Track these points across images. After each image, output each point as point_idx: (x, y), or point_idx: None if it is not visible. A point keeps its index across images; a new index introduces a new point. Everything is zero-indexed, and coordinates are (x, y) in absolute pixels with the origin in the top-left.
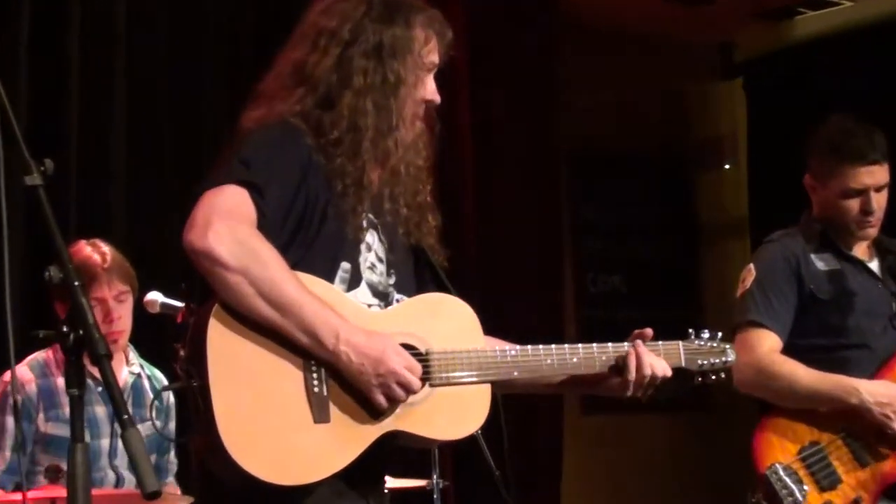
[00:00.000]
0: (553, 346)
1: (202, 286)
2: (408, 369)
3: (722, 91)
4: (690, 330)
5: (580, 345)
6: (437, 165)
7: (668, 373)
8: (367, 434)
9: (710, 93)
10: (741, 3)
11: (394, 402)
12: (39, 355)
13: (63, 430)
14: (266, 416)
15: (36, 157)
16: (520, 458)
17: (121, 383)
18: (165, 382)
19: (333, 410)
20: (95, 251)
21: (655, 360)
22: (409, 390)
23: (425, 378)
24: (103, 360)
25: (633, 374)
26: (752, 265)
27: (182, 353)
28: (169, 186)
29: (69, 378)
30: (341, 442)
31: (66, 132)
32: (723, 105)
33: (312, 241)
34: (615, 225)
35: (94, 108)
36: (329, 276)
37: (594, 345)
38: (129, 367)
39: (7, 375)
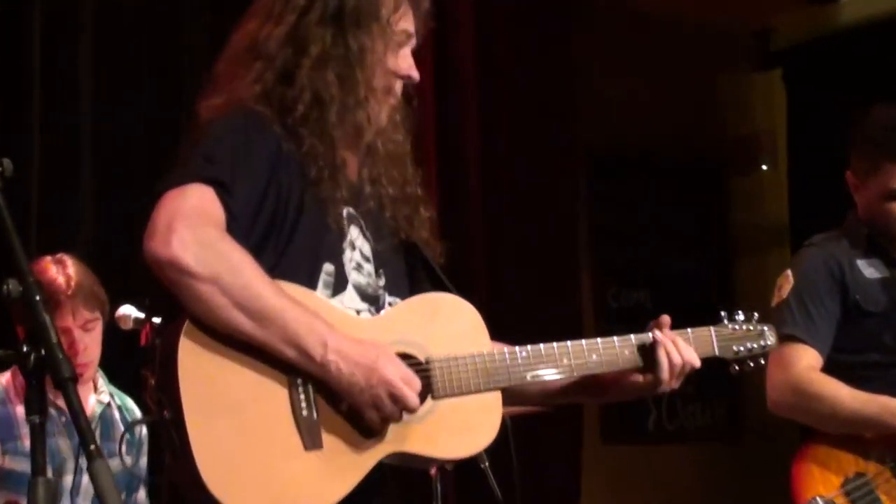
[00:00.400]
0: (569, 342)
1: (169, 300)
2: (404, 381)
3: (758, 83)
4: (723, 312)
5: (599, 339)
6: (439, 162)
7: (697, 363)
8: (366, 458)
9: (744, 85)
10: None
11: (387, 420)
12: None
13: (22, 464)
14: (250, 446)
15: None
16: (531, 490)
17: (88, 413)
18: (138, 413)
19: (325, 434)
20: (61, 272)
21: (685, 346)
22: (404, 406)
23: (427, 390)
24: (68, 384)
25: (665, 366)
26: (789, 271)
27: (151, 380)
28: (140, 190)
29: (30, 404)
30: (337, 469)
31: (28, 131)
32: (759, 98)
33: (288, 243)
34: (639, 232)
35: (58, 106)
36: (311, 281)
37: (615, 338)
38: (98, 396)
39: None
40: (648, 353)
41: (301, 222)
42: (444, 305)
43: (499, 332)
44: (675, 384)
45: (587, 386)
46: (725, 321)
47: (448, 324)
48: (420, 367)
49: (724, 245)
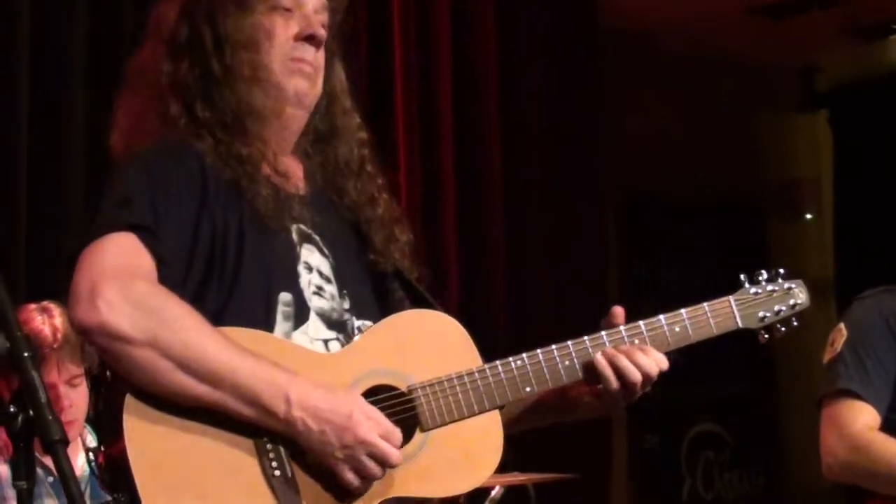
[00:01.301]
0: (569, 342)
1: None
2: (383, 437)
3: (802, 125)
4: (743, 276)
5: (604, 332)
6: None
7: (665, 365)
8: (362, 499)
9: (787, 127)
10: (826, 19)
11: (366, 478)
12: None
13: None
14: None
15: None
16: None
17: (77, 472)
18: None
19: (306, 492)
20: (47, 322)
21: (639, 356)
22: (385, 464)
23: (414, 423)
24: (58, 447)
25: (614, 385)
26: (842, 325)
27: (101, 457)
28: None
29: (16, 468)
30: None
31: (14, 173)
32: (803, 142)
33: (235, 278)
34: (673, 285)
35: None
36: (268, 316)
37: (622, 327)
38: (86, 454)
39: None
40: (593, 370)
41: (245, 252)
42: (423, 324)
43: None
44: (632, 401)
45: (557, 402)
46: (746, 284)
47: (429, 343)
48: (402, 399)
49: None
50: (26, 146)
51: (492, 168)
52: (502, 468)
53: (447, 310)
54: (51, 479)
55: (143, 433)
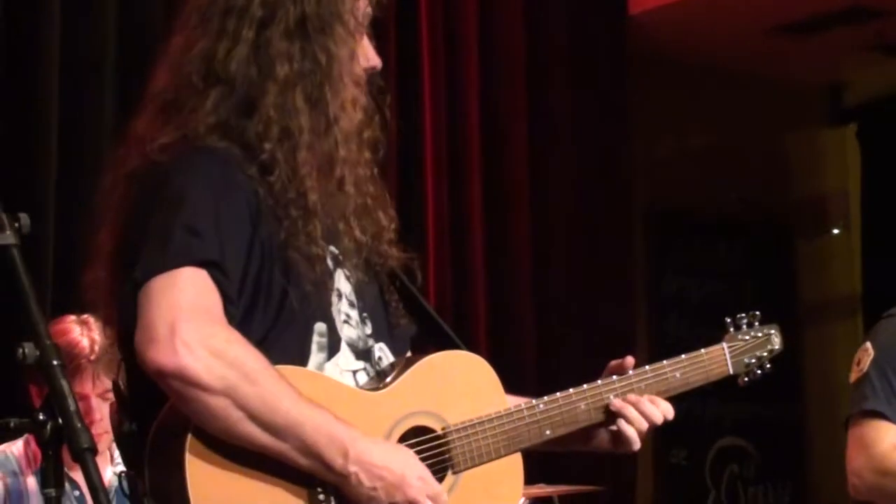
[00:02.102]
0: (585, 385)
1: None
2: (431, 498)
3: (830, 140)
4: (728, 319)
5: (615, 377)
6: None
7: (671, 415)
8: None
9: (816, 141)
10: (853, 35)
11: None
12: (10, 449)
13: None
14: None
15: (9, 211)
16: None
17: (105, 484)
18: None
19: None
20: (85, 334)
21: (646, 405)
22: None
23: (447, 464)
24: (86, 455)
25: (626, 430)
26: (868, 344)
27: (140, 486)
28: None
29: (46, 476)
30: None
31: (43, 186)
32: (831, 157)
33: (279, 307)
34: (700, 301)
35: (75, 157)
36: (304, 348)
37: (631, 373)
38: (114, 467)
39: None
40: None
41: (290, 284)
42: (456, 365)
43: (551, 391)
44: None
45: (577, 433)
46: (731, 329)
47: (462, 384)
48: (438, 442)
49: (790, 314)
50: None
51: (520, 187)
52: (530, 479)
53: (475, 340)
54: (77, 492)
55: (205, 474)
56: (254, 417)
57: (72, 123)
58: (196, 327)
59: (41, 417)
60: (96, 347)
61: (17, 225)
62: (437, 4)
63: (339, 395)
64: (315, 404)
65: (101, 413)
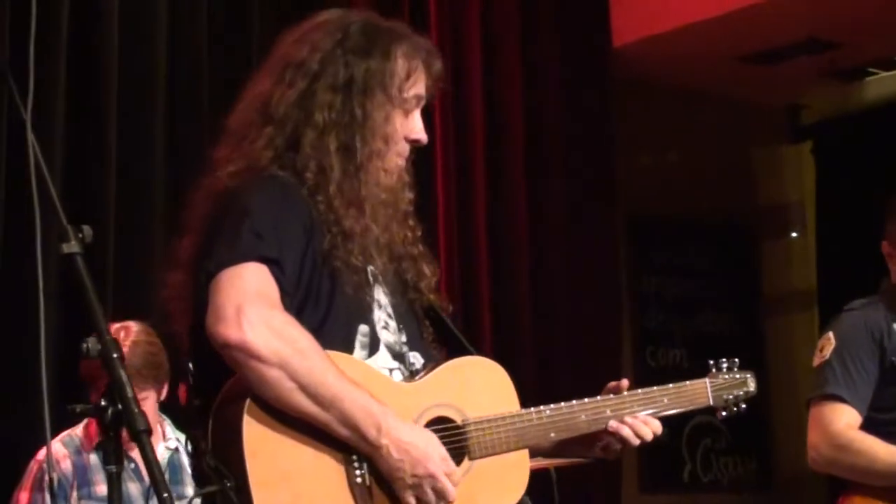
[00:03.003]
0: (586, 399)
1: (203, 366)
2: (447, 476)
3: (789, 155)
4: (711, 361)
5: (612, 396)
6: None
7: (659, 430)
8: None
9: (776, 156)
10: (810, 63)
11: None
12: (73, 431)
13: None
14: None
15: (73, 222)
16: None
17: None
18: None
19: (377, 501)
20: (122, 341)
21: (641, 427)
22: (442, 498)
23: (465, 452)
24: (142, 436)
25: (617, 446)
26: (830, 333)
27: (202, 444)
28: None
29: (107, 454)
30: None
31: (104, 196)
32: (790, 170)
33: (328, 308)
34: (675, 296)
35: (132, 170)
36: (348, 344)
37: (626, 393)
38: (166, 443)
39: (41, 454)
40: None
41: (335, 289)
42: (477, 369)
43: (547, 385)
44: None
45: (561, 444)
46: (713, 369)
47: (481, 386)
48: (458, 431)
49: (755, 307)
50: (115, 147)
51: (517, 200)
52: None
53: (480, 323)
54: (132, 465)
55: (259, 432)
56: (303, 388)
57: (129, 143)
58: (258, 309)
59: (103, 403)
60: (128, 353)
61: (80, 235)
62: (446, 41)
63: (376, 381)
64: (356, 383)
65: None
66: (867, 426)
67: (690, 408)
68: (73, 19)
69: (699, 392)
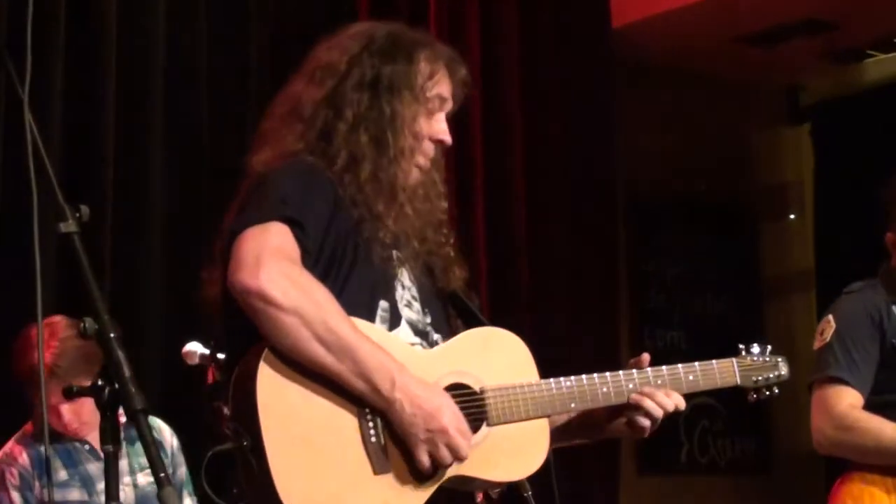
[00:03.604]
0: (608, 373)
1: (235, 338)
2: (459, 432)
3: (788, 136)
4: (741, 346)
5: (635, 370)
6: (487, 214)
7: (682, 406)
8: (428, 482)
9: (775, 138)
10: (809, 45)
11: (437, 464)
12: (25, 428)
13: (58, 494)
14: (326, 470)
15: (71, 202)
16: None
17: None
18: (166, 431)
19: (393, 460)
20: (48, 341)
21: (662, 397)
22: (455, 456)
23: (483, 418)
24: (140, 415)
25: (646, 422)
26: (831, 317)
27: (225, 411)
28: (210, 231)
29: (104, 434)
30: (403, 493)
31: (101, 176)
32: (788, 151)
33: (346, 280)
34: (674, 276)
35: (130, 150)
36: (369, 316)
37: (649, 369)
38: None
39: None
40: (634, 403)
41: (357, 261)
42: (495, 338)
43: (543, 365)
44: (656, 426)
45: (586, 423)
46: (744, 353)
47: (500, 355)
48: (475, 397)
49: (753, 288)
50: (113, 129)
51: (516, 181)
52: None
53: (481, 299)
54: (87, 446)
55: (272, 384)
56: (318, 337)
57: (128, 124)
58: (277, 261)
59: (100, 383)
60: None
61: (78, 215)
62: (444, 21)
63: (393, 345)
64: (371, 339)
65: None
66: (868, 409)
67: (718, 386)
68: None
69: (726, 371)
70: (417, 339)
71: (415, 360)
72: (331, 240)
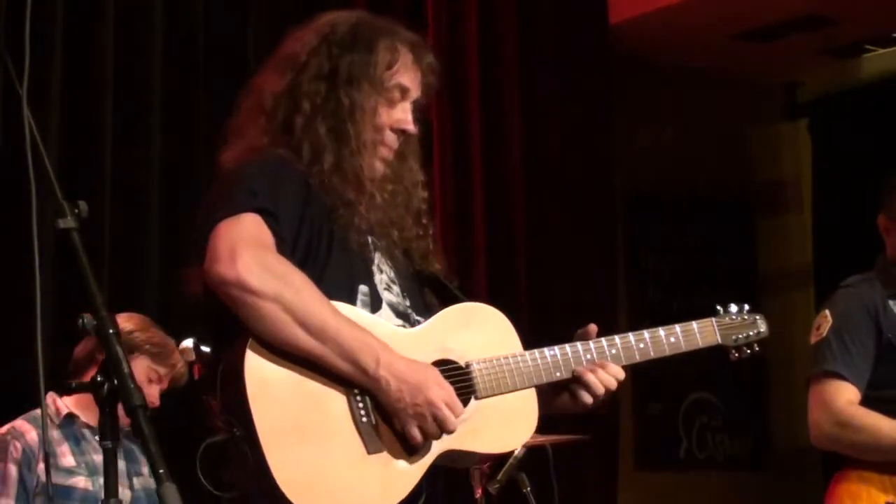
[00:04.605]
0: (590, 341)
1: (218, 330)
2: (447, 405)
3: (786, 132)
4: (718, 306)
5: (616, 336)
6: (486, 211)
7: (622, 376)
8: (422, 458)
9: (773, 134)
10: (807, 40)
11: (427, 437)
12: (34, 412)
13: (61, 479)
14: (320, 453)
15: (69, 198)
16: None
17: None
18: None
19: (384, 438)
20: None
21: (604, 376)
22: (444, 428)
23: (470, 392)
24: (138, 411)
25: (589, 399)
26: (827, 311)
27: (214, 404)
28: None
29: (103, 430)
30: (398, 471)
31: (99, 172)
32: (787, 147)
33: (324, 268)
34: (672, 272)
35: (129, 146)
36: (350, 300)
37: (631, 335)
38: None
39: (3, 428)
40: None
41: (334, 247)
42: (477, 314)
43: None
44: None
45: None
46: (722, 312)
47: (483, 330)
48: (461, 371)
49: (751, 284)
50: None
51: (515, 177)
52: None
53: (480, 297)
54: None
55: (259, 373)
56: (299, 321)
57: (125, 119)
58: (252, 249)
59: (99, 379)
60: None
61: (76, 211)
62: (443, 19)
63: (376, 326)
64: (352, 320)
65: None
66: (865, 404)
67: (700, 346)
68: None
69: (706, 331)
70: (399, 322)
71: (399, 340)
72: (306, 228)
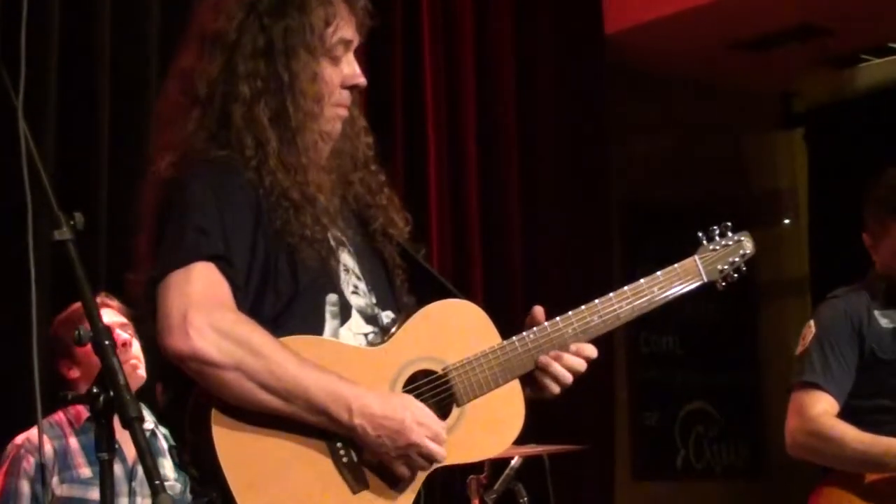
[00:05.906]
0: (570, 312)
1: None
2: (431, 439)
3: (781, 142)
4: (700, 234)
5: (596, 301)
6: (482, 220)
7: (595, 354)
8: (410, 485)
9: (768, 143)
10: (802, 50)
11: (416, 471)
12: (52, 418)
13: (79, 491)
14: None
15: (65, 209)
16: None
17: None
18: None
19: (369, 474)
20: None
21: (560, 369)
22: (432, 461)
23: (451, 401)
24: (135, 423)
25: (556, 388)
26: (812, 322)
27: (184, 451)
28: None
29: (99, 442)
30: (388, 501)
31: (95, 184)
32: (782, 156)
33: (290, 286)
34: None
35: (125, 156)
36: (318, 317)
37: (612, 294)
38: (143, 425)
39: (19, 439)
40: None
41: (297, 262)
42: (449, 311)
43: None
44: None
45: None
46: (704, 241)
47: (456, 328)
48: (440, 381)
49: (747, 294)
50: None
51: (510, 188)
52: (521, 440)
53: (475, 301)
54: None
55: (231, 440)
56: (263, 386)
57: (120, 131)
58: (205, 313)
59: (94, 391)
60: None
61: (72, 222)
62: (439, 28)
63: (343, 355)
64: (319, 367)
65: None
66: (849, 414)
67: (686, 289)
68: (65, 5)
69: (690, 271)
70: (369, 328)
71: (370, 363)
72: (261, 254)
